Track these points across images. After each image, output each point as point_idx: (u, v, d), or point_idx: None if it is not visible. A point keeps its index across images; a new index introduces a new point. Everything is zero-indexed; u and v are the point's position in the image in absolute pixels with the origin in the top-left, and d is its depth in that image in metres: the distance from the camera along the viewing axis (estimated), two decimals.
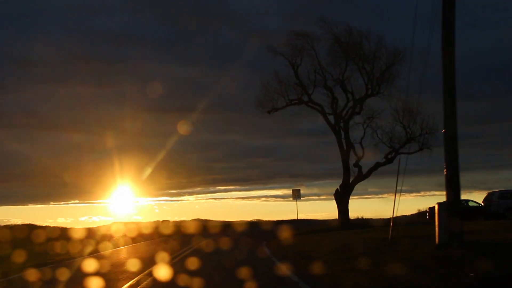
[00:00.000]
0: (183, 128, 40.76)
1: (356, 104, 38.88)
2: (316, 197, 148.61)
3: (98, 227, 49.84)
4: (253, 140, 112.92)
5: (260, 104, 39.00)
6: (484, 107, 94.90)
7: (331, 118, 39.41)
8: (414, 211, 52.57)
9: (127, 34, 79.61)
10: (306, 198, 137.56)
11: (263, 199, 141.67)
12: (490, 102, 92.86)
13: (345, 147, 38.90)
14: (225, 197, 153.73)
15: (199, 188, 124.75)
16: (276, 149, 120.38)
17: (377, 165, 38.81)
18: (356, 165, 39.25)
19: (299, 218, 45.31)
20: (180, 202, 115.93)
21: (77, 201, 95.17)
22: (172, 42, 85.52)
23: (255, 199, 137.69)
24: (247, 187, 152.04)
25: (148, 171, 41.66)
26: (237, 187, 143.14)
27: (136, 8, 79.49)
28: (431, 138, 36.45)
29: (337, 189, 39.07)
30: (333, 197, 39.04)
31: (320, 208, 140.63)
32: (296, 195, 41.91)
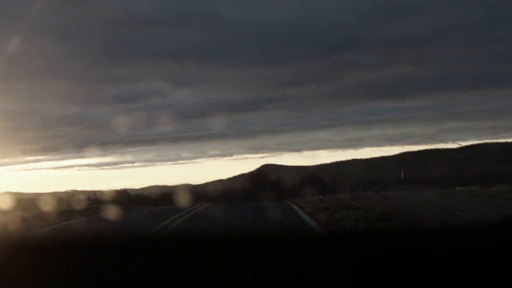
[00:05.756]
0: None
1: None
2: (130, 164, 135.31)
3: None
4: (59, 108, 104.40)
5: None
6: (287, 72, 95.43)
7: None
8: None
9: None
10: (119, 165, 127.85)
11: (76, 168, 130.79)
12: (292, 67, 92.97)
13: None
14: (36, 167, 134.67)
15: (6, 160, 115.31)
16: (84, 117, 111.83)
17: None
18: None
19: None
20: None
21: None
22: None
23: (68, 169, 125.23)
24: (58, 156, 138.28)
25: None
26: (48, 157, 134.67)
27: None
28: None
29: None
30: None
31: (135, 175, 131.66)
32: None
